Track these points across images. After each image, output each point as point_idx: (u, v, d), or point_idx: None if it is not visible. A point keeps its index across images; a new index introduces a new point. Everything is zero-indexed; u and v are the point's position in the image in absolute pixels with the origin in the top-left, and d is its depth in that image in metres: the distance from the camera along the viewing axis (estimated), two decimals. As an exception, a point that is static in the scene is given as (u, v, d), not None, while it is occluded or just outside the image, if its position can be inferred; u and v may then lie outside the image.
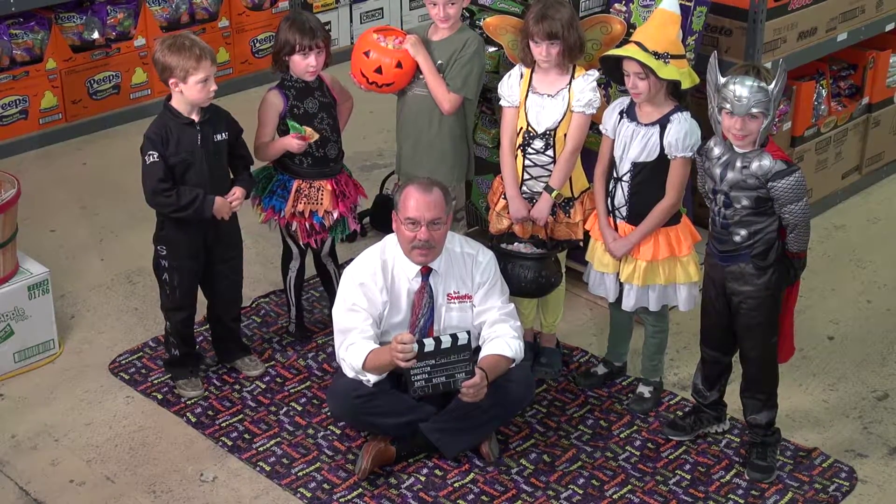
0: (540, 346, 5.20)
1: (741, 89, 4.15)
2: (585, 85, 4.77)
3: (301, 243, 5.14)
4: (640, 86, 4.50)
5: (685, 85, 4.54)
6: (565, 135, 4.79)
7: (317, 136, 4.94)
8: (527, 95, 4.83)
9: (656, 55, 4.47)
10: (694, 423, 4.77)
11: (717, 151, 4.34)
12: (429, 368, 4.32)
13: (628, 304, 4.80)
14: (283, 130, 4.99)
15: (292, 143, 4.93)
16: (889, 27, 6.24)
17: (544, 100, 4.81)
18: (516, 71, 4.90)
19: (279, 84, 5.05)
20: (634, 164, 4.62)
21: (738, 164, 4.27)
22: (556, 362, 5.18)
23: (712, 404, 4.75)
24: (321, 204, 5.03)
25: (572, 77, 4.79)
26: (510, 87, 4.88)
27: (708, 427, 4.78)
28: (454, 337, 4.32)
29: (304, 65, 4.94)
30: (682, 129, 4.54)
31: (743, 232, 4.33)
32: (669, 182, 4.61)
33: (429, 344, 4.30)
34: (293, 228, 5.08)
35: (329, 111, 5.06)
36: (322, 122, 5.03)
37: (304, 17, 4.99)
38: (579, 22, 4.79)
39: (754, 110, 4.16)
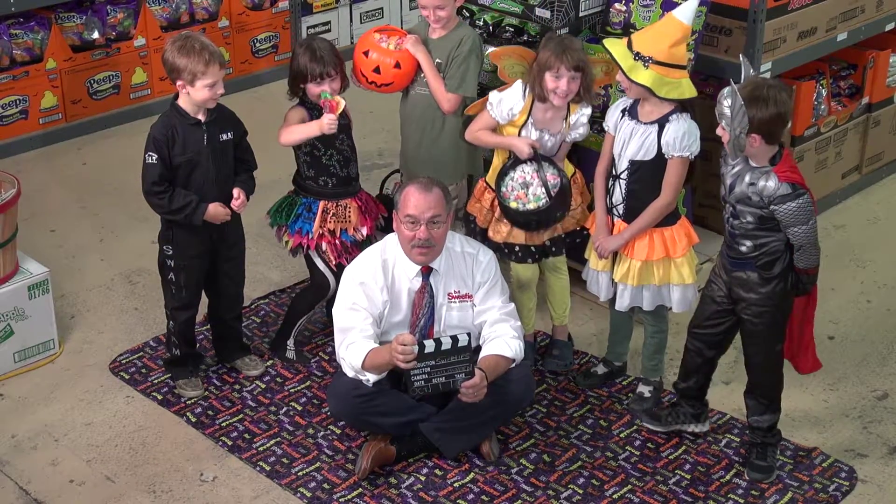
0: (553, 338, 5.23)
1: (719, 101, 4.18)
2: (579, 120, 4.82)
3: (333, 264, 5.06)
4: (623, 79, 4.54)
5: (661, 93, 4.49)
6: None
7: (343, 104, 4.88)
8: (524, 122, 4.84)
9: (637, 56, 4.48)
10: (670, 416, 4.76)
11: (732, 160, 4.32)
12: (428, 369, 4.33)
13: (622, 304, 4.81)
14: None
15: (321, 124, 4.83)
16: (889, 27, 6.24)
17: (544, 134, 4.83)
18: (519, 88, 4.85)
19: (300, 102, 5.03)
20: (632, 163, 4.63)
21: (747, 178, 4.23)
22: (567, 354, 5.19)
23: (690, 400, 4.74)
24: (350, 221, 5.02)
25: (568, 112, 4.81)
26: (509, 111, 4.84)
27: (685, 424, 4.76)
28: (454, 338, 4.32)
29: (319, 91, 4.93)
30: (680, 129, 4.54)
31: (749, 243, 4.31)
32: (666, 181, 4.61)
33: (429, 345, 4.30)
34: (323, 249, 5.04)
35: (348, 133, 5.07)
36: (343, 143, 5.03)
37: (315, 45, 4.95)
38: None
39: (723, 123, 4.17)
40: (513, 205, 4.81)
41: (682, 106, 4.59)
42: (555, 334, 5.24)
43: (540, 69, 4.73)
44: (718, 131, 4.22)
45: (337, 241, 5.03)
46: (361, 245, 5.04)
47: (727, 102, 4.11)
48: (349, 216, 5.03)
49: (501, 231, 4.93)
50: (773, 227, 4.25)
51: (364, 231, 5.07)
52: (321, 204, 5.01)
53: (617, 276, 4.76)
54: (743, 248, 4.33)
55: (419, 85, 5.14)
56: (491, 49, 5.21)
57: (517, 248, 4.93)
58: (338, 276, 5.07)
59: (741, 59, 4.30)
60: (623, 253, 4.72)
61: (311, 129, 4.89)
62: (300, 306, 5.20)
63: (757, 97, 4.10)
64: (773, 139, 4.17)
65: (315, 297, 5.17)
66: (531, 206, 4.79)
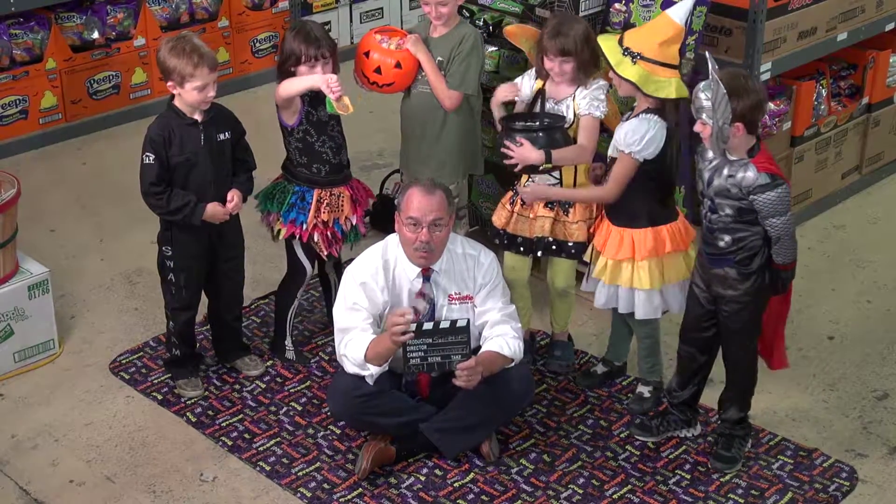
0: (553, 339, 5.24)
1: (696, 95, 4.17)
2: (588, 91, 4.79)
3: (324, 255, 5.06)
4: (612, 75, 4.55)
5: (647, 90, 4.46)
6: None
7: (351, 109, 4.82)
8: (541, 89, 4.85)
9: (626, 51, 4.47)
10: (661, 425, 4.76)
11: (709, 154, 4.31)
12: (426, 347, 4.36)
13: (599, 300, 4.82)
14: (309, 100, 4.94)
15: (327, 79, 4.73)
16: (889, 27, 6.24)
17: (551, 105, 4.83)
18: (534, 72, 4.95)
19: None
20: (611, 160, 4.65)
21: (725, 171, 4.23)
22: (569, 354, 5.21)
23: (681, 406, 4.73)
24: (342, 211, 5.01)
25: (578, 86, 4.81)
26: (528, 76, 4.93)
27: (676, 431, 4.75)
28: (453, 321, 4.37)
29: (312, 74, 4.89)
30: (633, 126, 4.51)
31: (727, 238, 4.30)
32: (611, 174, 4.61)
33: (427, 324, 4.35)
34: (315, 240, 5.01)
35: (338, 119, 5.04)
36: (333, 129, 5.01)
37: (308, 26, 4.92)
38: (594, 36, 4.77)
39: (703, 116, 4.15)
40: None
41: (660, 109, 4.53)
42: (555, 336, 5.24)
43: (539, 49, 4.81)
44: (697, 127, 4.20)
45: (328, 233, 5.02)
46: (347, 234, 5.05)
47: (705, 95, 4.11)
48: (342, 205, 5.01)
49: (501, 217, 4.95)
50: (751, 221, 4.25)
51: (353, 220, 5.05)
52: (315, 193, 4.98)
53: (595, 272, 4.76)
54: (721, 244, 4.32)
55: (421, 84, 5.14)
56: (507, 26, 5.26)
57: (504, 235, 4.94)
58: (314, 263, 5.11)
59: (706, 55, 4.26)
60: (597, 248, 4.73)
61: (314, 81, 4.77)
62: (283, 297, 5.21)
63: (736, 87, 4.10)
64: (753, 128, 4.19)
65: (294, 284, 5.16)
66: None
